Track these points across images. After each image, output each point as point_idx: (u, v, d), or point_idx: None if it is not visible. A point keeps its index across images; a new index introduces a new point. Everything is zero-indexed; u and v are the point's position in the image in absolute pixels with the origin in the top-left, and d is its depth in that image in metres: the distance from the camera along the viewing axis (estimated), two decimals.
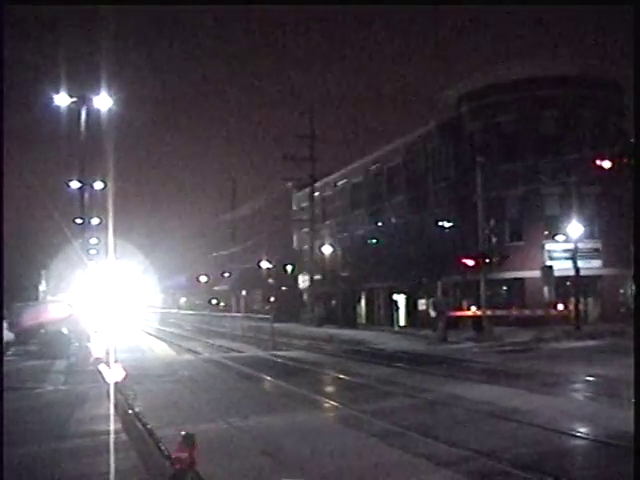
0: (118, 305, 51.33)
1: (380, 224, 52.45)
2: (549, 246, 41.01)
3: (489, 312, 36.26)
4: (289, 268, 70.33)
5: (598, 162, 30.06)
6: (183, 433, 6.15)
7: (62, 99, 31.31)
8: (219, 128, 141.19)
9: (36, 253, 65.63)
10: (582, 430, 12.14)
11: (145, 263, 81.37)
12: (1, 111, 22.60)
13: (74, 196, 39.54)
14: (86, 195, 37.43)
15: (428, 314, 42.04)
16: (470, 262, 36.60)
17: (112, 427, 12.72)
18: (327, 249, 57.13)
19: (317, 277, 62.27)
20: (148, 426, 9.94)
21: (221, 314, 65.54)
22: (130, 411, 11.54)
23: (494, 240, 38.61)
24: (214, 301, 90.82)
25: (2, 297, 32.18)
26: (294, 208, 71.02)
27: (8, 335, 33.84)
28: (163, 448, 7.24)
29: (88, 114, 32.42)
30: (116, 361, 21.65)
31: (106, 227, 50.46)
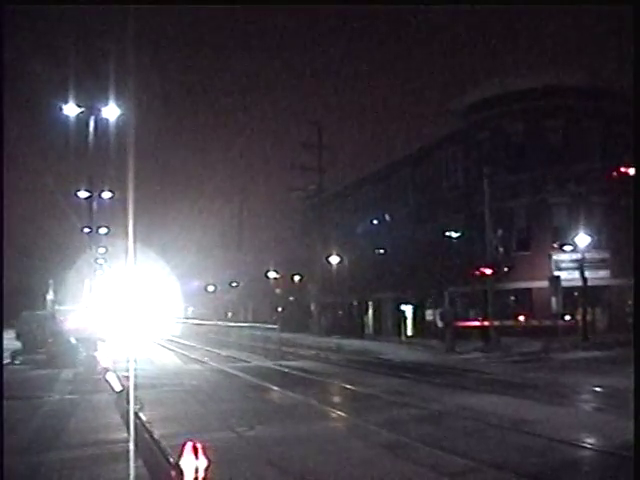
0: (129, 314, 51.39)
1: (388, 234, 52.46)
2: (557, 256, 40.94)
3: (497, 322, 36.18)
4: (297, 278, 70.35)
5: (607, 172, 30.10)
6: (189, 443, 6.17)
7: (71, 109, 31.47)
8: (228, 138, 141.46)
9: (44, 262, 65.83)
10: (590, 441, 12.12)
11: (161, 273, 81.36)
12: (1, 114, 22.63)
13: (83, 206, 39.77)
14: (94, 204, 37.62)
15: (436, 324, 42.00)
16: (487, 271, 36.41)
17: (118, 436, 12.75)
18: (335, 259, 57.11)
19: (324, 287, 62.23)
20: (155, 435, 9.93)
21: (228, 324, 65.48)
22: (137, 420, 11.53)
23: (501, 250, 38.56)
24: (222, 310, 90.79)
25: (2, 306, 32.21)
26: (302, 218, 71.05)
27: (15, 344, 33.92)
28: (170, 457, 7.25)
29: (97, 124, 32.62)
30: (123, 370, 21.67)
31: (115, 236, 50.76)
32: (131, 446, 10.82)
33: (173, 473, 6.32)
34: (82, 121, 32.62)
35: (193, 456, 6.06)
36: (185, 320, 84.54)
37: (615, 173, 30.09)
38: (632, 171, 29.02)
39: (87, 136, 33.21)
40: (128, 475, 9.36)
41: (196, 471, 6.03)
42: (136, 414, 11.88)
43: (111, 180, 42.09)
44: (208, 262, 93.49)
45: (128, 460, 10.00)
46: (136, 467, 9.68)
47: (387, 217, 53.38)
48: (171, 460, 6.92)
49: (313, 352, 37.91)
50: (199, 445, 6.14)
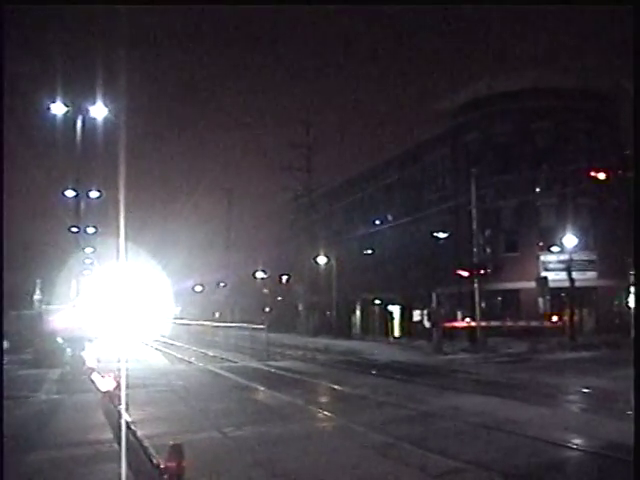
0: (117, 314, 51.25)
1: (375, 235, 52.50)
2: (544, 257, 41.07)
3: (484, 323, 36.26)
4: (284, 278, 70.30)
5: (593, 173, 30.20)
6: (172, 443, 6.13)
7: (58, 108, 31.34)
8: (217, 138, 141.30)
9: (31, 262, 65.44)
10: (577, 441, 12.12)
11: (149, 273, 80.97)
12: (1, 113, 22.50)
13: (71, 205, 39.66)
14: (82, 204, 37.50)
15: (423, 325, 42.03)
16: (465, 273, 36.66)
17: (103, 436, 12.69)
18: (322, 259, 57.12)
19: (312, 288, 62.27)
20: (139, 436, 9.87)
21: (216, 324, 65.35)
22: (121, 421, 11.47)
23: (489, 251, 38.64)
24: (210, 310, 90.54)
25: (2, 307, 32.07)
26: (290, 218, 71.02)
27: (4, 344, 33.75)
28: (153, 458, 7.21)
29: (84, 123, 32.52)
30: (109, 370, 21.58)
31: (102, 236, 50.59)
32: (116, 447, 10.77)
33: (156, 474, 6.29)
34: (70, 120, 32.49)
35: (176, 457, 6.03)
36: (173, 320, 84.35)
37: (604, 174, 30.14)
38: (620, 172, 29.07)
39: (75, 135, 33.07)
40: (112, 476, 9.30)
41: (179, 471, 5.99)
42: (121, 414, 11.83)
43: (99, 179, 42.00)
44: (196, 262, 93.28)
45: (112, 461, 9.95)
46: (120, 468, 9.62)
47: (375, 218, 53.37)
48: (154, 461, 6.88)
49: (300, 352, 37.88)
50: (182, 446, 6.11)
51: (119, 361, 27.43)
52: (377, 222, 53.21)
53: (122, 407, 12.41)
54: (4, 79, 19.61)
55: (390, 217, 51.89)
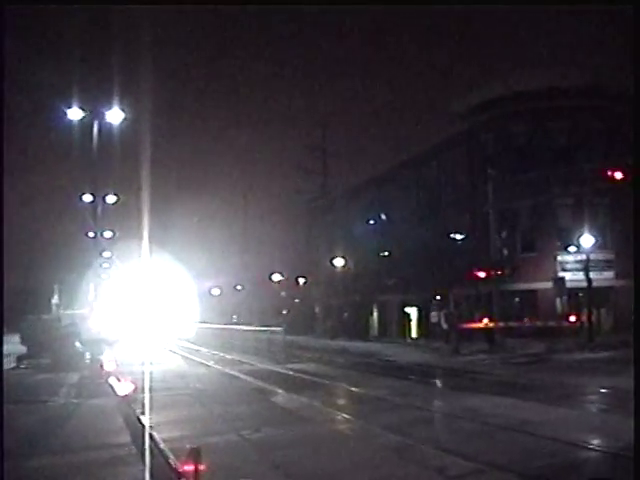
0: (135, 317, 51.47)
1: (392, 236, 52.44)
2: (561, 257, 40.88)
3: (501, 324, 36.12)
4: (301, 280, 70.32)
5: (609, 173, 30.02)
6: (189, 447, 6.15)
7: (75, 113, 31.50)
8: (232, 140, 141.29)
9: (49, 266, 65.90)
10: (596, 442, 12.05)
11: (167, 276, 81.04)
12: (2, 112, 22.63)
13: (88, 209, 39.84)
14: (99, 209, 37.68)
15: (440, 326, 41.91)
16: (482, 274, 36.52)
17: (121, 440, 12.72)
18: (339, 261, 57.08)
19: (329, 289, 62.27)
20: (157, 439, 9.92)
21: (233, 327, 65.40)
22: (140, 424, 11.51)
23: (506, 251, 38.47)
24: (227, 313, 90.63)
25: (2, 309, 32.22)
26: (306, 220, 71.08)
27: (20, 348, 33.96)
28: (171, 462, 7.23)
29: (101, 128, 32.68)
30: (127, 374, 21.66)
31: (119, 240, 50.87)
32: (134, 450, 10.80)
33: (175, 477, 6.31)
34: (86, 125, 32.66)
35: (194, 460, 6.04)
36: (191, 323, 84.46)
37: (620, 173, 29.96)
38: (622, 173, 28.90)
39: (92, 140, 33.24)
40: (130, 479, 9.33)
41: (197, 475, 6.01)
42: (139, 418, 11.88)
43: (116, 184, 42.19)
44: (213, 265, 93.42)
45: (130, 464, 9.97)
46: (139, 471, 9.65)
47: (391, 220, 53.31)
48: (173, 464, 6.91)
49: (318, 355, 37.85)
50: (200, 449, 6.12)
51: (138, 365, 27.53)
52: (393, 223, 53.15)
53: (140, 411, 12.46)
54: (4, 80, 19.70)
55: (406, 218, 51.80)
